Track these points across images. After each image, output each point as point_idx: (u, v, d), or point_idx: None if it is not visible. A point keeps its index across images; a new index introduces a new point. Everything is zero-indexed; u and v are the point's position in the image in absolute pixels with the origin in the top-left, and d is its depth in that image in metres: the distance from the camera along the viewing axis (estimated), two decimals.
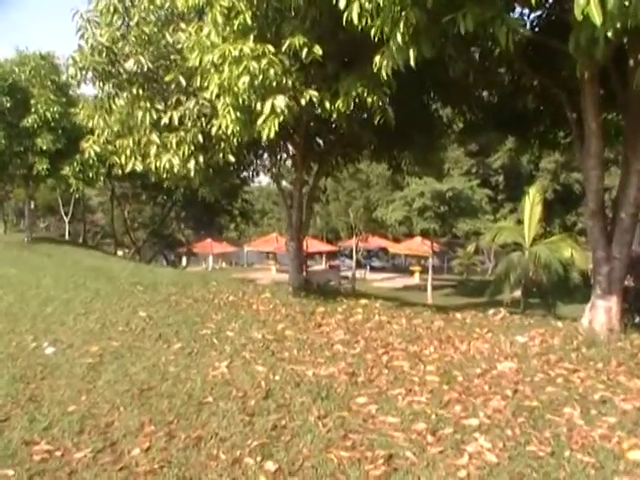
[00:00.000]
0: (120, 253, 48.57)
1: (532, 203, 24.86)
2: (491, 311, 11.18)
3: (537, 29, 10.55)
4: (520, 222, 27.92)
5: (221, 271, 56.65)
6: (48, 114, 23.36)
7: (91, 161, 20.60)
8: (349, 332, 9.24)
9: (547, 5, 10.05)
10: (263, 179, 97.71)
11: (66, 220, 45.96)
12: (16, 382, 6.69)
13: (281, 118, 8.56)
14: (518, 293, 24.90)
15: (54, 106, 23.10)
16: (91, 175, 23.34)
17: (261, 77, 8.37)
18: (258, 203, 76.74)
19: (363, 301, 12.17)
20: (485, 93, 13.37)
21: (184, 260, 51.57)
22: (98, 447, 4.95)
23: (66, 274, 15.70)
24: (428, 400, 5.97)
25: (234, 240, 69.40)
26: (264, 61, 8.33)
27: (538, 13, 10.33)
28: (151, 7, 10.45)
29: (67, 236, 45.51)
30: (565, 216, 50.91)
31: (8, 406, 5.93)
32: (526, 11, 9.52)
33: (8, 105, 23.74)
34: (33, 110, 23.58)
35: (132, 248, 41.86)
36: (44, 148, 23.66)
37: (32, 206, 30.86)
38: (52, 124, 23.62)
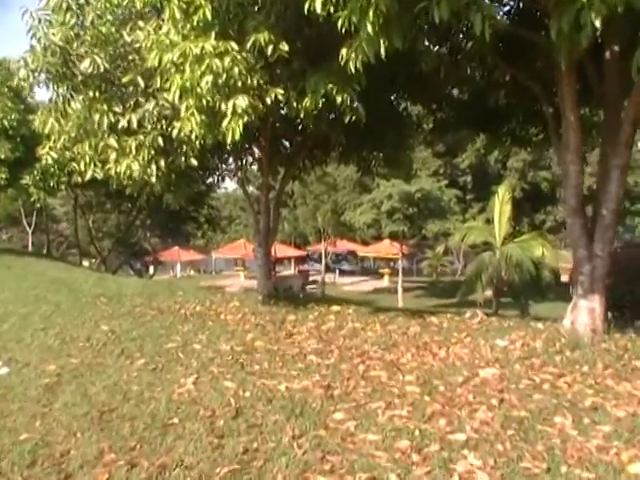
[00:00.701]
0: (86, 263, 47.69)
1: (502, 202, 24.72)
2: (468, 314, 10.87)
3: (509, 21, 10.26)
4: (489, 221, 27.82)
5: (189, 279, 56.13)
6: (5, 122, 22.60)
7: (52, 169, 20.01)
8: (322, 341, 8.86)
9: None
10: (229, 185, 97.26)
11: (29, 231, 44.91)
12: None
13: (245, 119, 8.14)
14: (489, 293, 24.74)
15: (11, 113, 22.36)
16: (52, 184, 22.60)
17: (225, 76, 7.93)
18: (225, 209, 76.26)
19: (335, 307, 11.80)
20: (455, 90, 13.09)
21: (151, 269, 50.74)
22: None
23: (26, 287, 15.09)
24: (410, 414, 5.58)
25: (202, 247, 68.84)
26: (227, 59, 7.91)
27: (510, 4, 10.06)
28: (107, 5, 9.96)
29: (30, 247, 44.49)
30: (534, 215, 51.13)
31: None
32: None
33: None
34: None
35: (98, 258, 41.09)
36: (2, 157, 22.84)
37: None
38: (10, 132, 22.86)
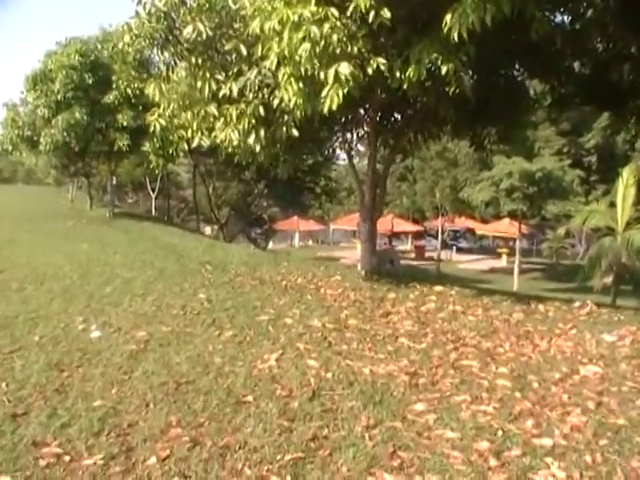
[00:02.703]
0: (208, 230, 48.92)
1: (625, 185, 23.24)
2: (577, 303, 10.16)
3: None
4: (613, 205, 26.41)
5: (307, 249, 56.61)
6: (129, 90, 23.24)
7: (170, 137, 20.29)
8: (418, 322, 8.47)
9: None
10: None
11: (152, 196, 46.34)
12: (50, 369, 6.22)
13: (345, 88, 7.77)
14: (609, 279, 23.52)
15: (135, 82, 22.88)
16: (170, 151, 22.99)
17: (323, 43, 7.60)
18: (345, 181, 76.09)
19: (438, 288, 11.34)
20: (576, 64, 12.21)
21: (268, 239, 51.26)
22: (112, 452, 4.37)
23: (137, 251, 15.42)
24: (496, 410, 5.15)
25: (321, 218, 69.14)
26: (327, 26, 7.57)
27: None
28: None
29: (153, 212, 45.90)
30: None
31: (33, 397, 5.44)
32: None
33: (90, 82, 23.80)
34: (114, 87, 23.52)
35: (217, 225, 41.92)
36: (125, 124, 23.61)
37: (114, 182, 30.99)
38: (133, 100, 23.50)
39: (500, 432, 4.67)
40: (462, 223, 55.74)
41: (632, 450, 4.43)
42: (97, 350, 6.91)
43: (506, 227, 48.54)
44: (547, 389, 5.76)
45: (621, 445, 4.50)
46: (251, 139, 9.72)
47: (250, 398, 5.38)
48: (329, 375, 6.00)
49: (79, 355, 6.73)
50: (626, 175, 23.55)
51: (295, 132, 9.79)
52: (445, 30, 6.66)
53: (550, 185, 38.60)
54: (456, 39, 6.62)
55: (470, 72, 8.73)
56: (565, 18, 9.78)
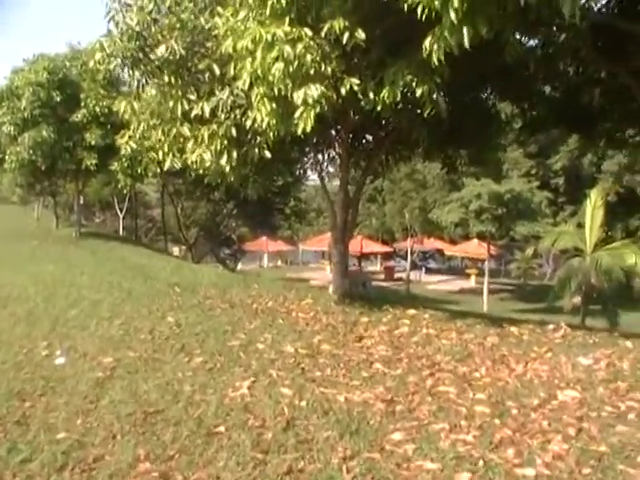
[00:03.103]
0: (176, 250, 48.51)
1: (593, 207, 23.48)
2: (550, 326, 10.10)
3: (608, 12, 9.45)
4: (581, 226, 26.66)
5: (276, 269, 56.37)
6: (97, 109, 23.02)
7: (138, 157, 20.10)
8: (392, 347, 8.33)
9: None
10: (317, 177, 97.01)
11: (120, 216, 45.90)
12: (11, 399, 5.99)
13: (317, 109, 7.66)
14: (578, 299, 23.67)
15: (104, 101, 22.66)
16: (139, 171, 22.74)
17: (296, 63, 7.49)
18: (314, 202, 76.10)
19: (411, 311, 11.22)
20: (547, 87, 12.27)
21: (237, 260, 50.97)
22: None
23: (103, 272, 15.14)
24: (476, 439, 5.01)
25: (290, 239, 69.07)
26: (300, 46, 7.46)
27: None
28: None
29: (121, 232, 45.46)
30: (628, 220, 48.86)
31: None
32: None
33: (58, 99, 23.49)
34: (83, 105, 23.27)
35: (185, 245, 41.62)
36: (93, 143, 23.37)
37: (81, 201, 30.61)
38: (101, 119, 23.27)
39: (481, 462, 4.52)
40: (431, 244, 55.98)
41: (616, 478, 4.32)
42: (61, 377, 6.68)
43: (475, 248, 48.77)
44: (526, 415, 5.63)
45: (604, 473, 4.39)
46: (223, 160, 9.57)
47: (222, 429, 5.19)
48: (303, 404, 5.82)
49: (42, 383, 6.49)
50: (594, 197, 23.82)
51: (267, 153, 9.65)
52: (425, 55, 6.58)
53: (519, 206, 39.04)
54: (436, 63, 6.54)
55: (442, 94, 8.62)
56: (536, 42, 9.81)
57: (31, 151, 23.37)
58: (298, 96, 7.68)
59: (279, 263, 64.96)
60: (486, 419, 5.50)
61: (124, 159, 22.33)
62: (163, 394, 6.10)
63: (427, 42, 6.56)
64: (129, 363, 7.22)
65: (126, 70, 10.24)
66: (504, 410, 5.76)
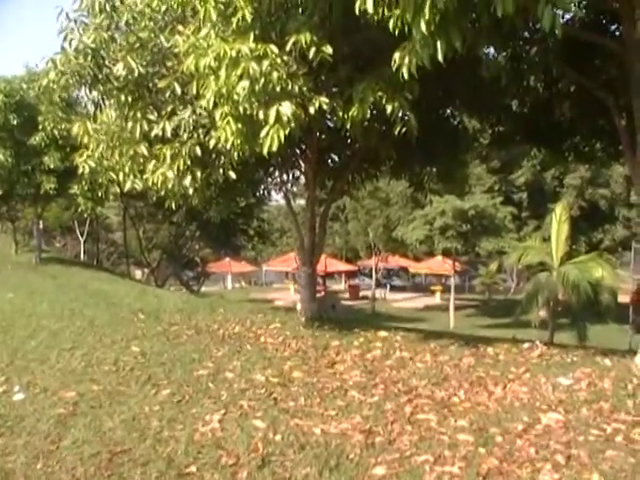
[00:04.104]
0: (139, 273, 47.84)
1: (559, 221, 23.60)
2: (526, 345, 9.92)
3: (577, 25, 9.38)
4: (545, 240, 26.77)
5: (240, 291, 55.94)
6: (56, 132, 22.46)
7: (99, 179, 19.69)
8: (366, 372, 8.07)
9: None
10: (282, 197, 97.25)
11: (81, 240, 45.10)
12: None
13: (287, 129, 7.41)
14: (545, 313, 23.71)
15: (62, 123, 22.15)
16: (100, 194, 22.25)
17: (262, 81, 7.22)
18: (277, 222, 75.89)
19: (382, 333, 10.96)
20: (515, 102, 12.18)
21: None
22: None
23: (65, 299, 14.67)
24: (461, 471, 4.78)
25: (253, 259, 68.74)
26: (266, 63, 7.19)
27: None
28: (147, 10, 9.41)
29: (82, 256, 44.70)
30: (591, 233, 49.45)
31: None
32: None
33: (15, 123, 22.86)
34: (41, 128, 22.70)
35: (148, 269, 41.12)
36: (52, 167, 22.80)
37: (41, 226, 29.95)
38: (60, 142, 22.69)
39: None
40: (396, 261, 55.99)
41: None
42: (20, 416, 6.28)
43: (439, 264, 48.85)
44: (512, 442, 5.41)
45: None
46: (187, 181, 9.26)
47: (193, 469, 4.89)
48: (278, 437, 5.54)
49: None
50: (559, 211, 24.00)
51: (232, 174, 9.37)
52: (395, 68, 6.37)
53: (483, 222, 39.18)
54: (406, 77, 6.33)
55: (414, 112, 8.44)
56: (505, 57, 9.71)
57: None
58: (267, 115, 7.41)
59: (242, 284, 64.54)
60: (470, 448, 5.27)
61: (84, 182, 21.84)
62: (129, 431, 5.76)
63: (397, 55, 6.36)
64: (92, 397, 6.85)
65: (84, 90, 9.90)
66: (488, 437, 5.55)
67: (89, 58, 9.25)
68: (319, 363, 8.60)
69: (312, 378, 7.69)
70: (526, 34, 8.59)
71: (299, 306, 14.02)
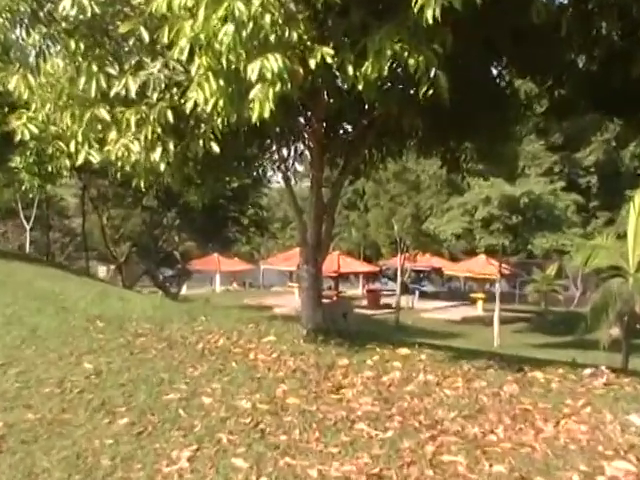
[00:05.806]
0: (102, 271, 48.05)
1: (638, 213, 23.39)
2: (587, 370, 9.90)
3: None
4: (620, 237, 26.69)
5: (231, 294, 56.23)
6: None
7: (50, 150, 19.72)
8: (380, 400, 8.08)
9: None
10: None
11: (27, 227, 44.99)
12: None
13: (277, 88, 7.37)
14: (617, 331, 23.63)
15: None
16: (50, 168, 22.27)
17: (251, 26, 7.20)
18: (279, 209, 76.19)
19: (404, 350, 10.97)
20: (581, 57, 12.09)
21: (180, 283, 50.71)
22: None
23: (1, 303, 14.72)
24: None
25: (249, 256, 69.07)
26: (256, 3, 7.16)
27: None
28: None
29: (28, 248, 44.77)
30: None
31: None
32: None
33: None
34: None
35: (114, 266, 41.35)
36: None
37: None
38: None
39: None
40: (427, 261, 56.26)
41: None
42: None
43: (482, 266, 48.98)
44: None
45: None
46: (156, 154, 9.24)
47: None
48: None
49: None
50: (638, 200, 23.60)
51: (215, 147, 9.34)
52: (416, 10, 6.34)
53: (539, 213, 39.15)
54: (430, 21, 6.30)
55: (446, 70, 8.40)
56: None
57: None
58: (252, 70, 7.38)
59: (235, 286, 64.91)
60: None
61: (29, 153, 21.86)
62: (70, 473, 5.77)
63: None
64: (26, 429, 6.87)
65: (19, 32, 9.85)
66: None
67: None
68: (321, 387, 8.63)
69: (311, 406, 7.71)
70: None
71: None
